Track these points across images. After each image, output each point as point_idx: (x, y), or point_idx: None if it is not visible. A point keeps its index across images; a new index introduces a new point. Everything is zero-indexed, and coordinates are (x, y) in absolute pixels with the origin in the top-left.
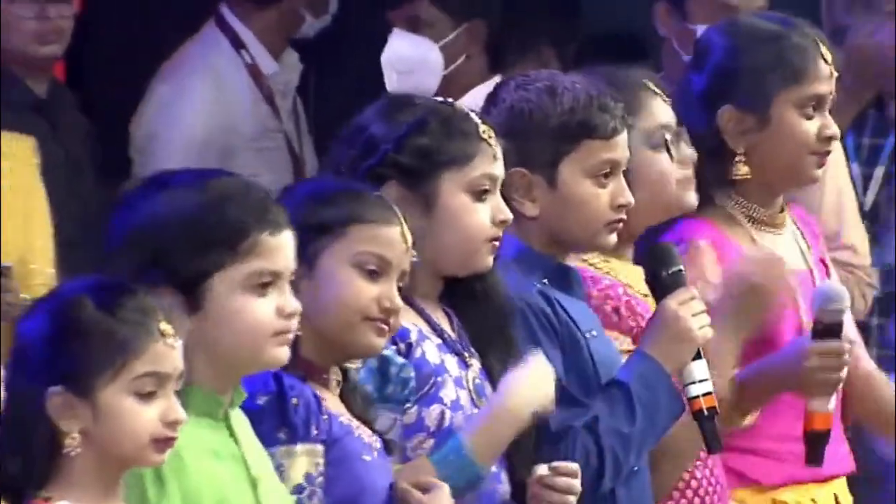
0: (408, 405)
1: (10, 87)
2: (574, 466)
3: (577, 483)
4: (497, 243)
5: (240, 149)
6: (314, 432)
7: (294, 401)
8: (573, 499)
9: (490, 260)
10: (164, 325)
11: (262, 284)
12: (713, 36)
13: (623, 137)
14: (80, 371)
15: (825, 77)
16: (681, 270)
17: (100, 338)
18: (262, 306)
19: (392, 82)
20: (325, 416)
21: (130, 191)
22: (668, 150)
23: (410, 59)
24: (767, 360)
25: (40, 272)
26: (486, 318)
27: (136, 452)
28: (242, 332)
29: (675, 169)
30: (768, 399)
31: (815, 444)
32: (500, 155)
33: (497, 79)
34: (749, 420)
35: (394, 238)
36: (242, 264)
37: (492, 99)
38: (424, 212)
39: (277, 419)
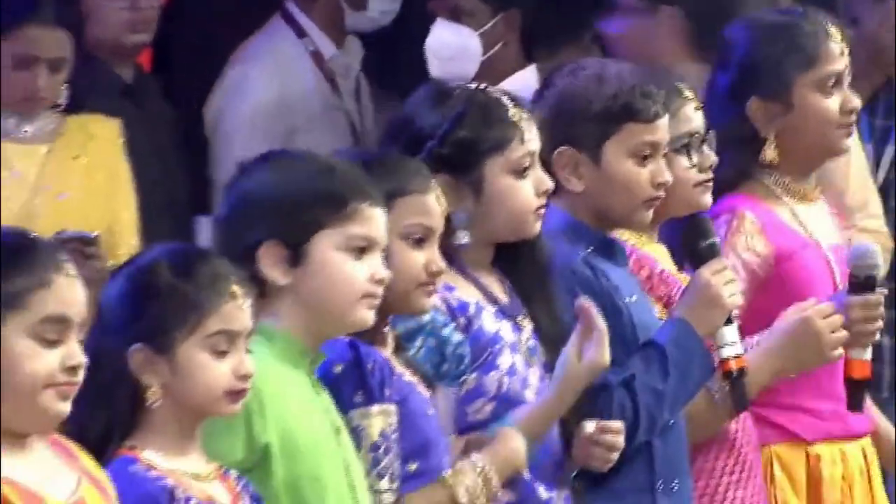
0: (464, 377)
1: (98, 73)
2: (618, 425)
3: (620, 439)
4: (542, 210)
5: (303, 127)
6: (387, 393)
7: (370, 366)
8: (616, 454)
9: (538, 226)
10: (235, 287)
11: (359, 249)
12: (734, 34)
13: (664, 121)
14: (158, 330)
15: (837, 56)
16: (715, 242)
17: (176, 299)
18: (356, 268)
19: (434, 68)
20: (396, 378)
21: (248, 162)
22: (689, 155)
23: (451, 47)
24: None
25: (125, 243)
26: (534, 278)
27: (211, 403)
28: (336, 289)
29: (695, 172)
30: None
31: (854, 391)
32: (533, 131)
33: (532, 67)
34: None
35: (433, 205)
36: (344, 227)
37: (545, 83)
38: (474, 197)
39: (355, 384)
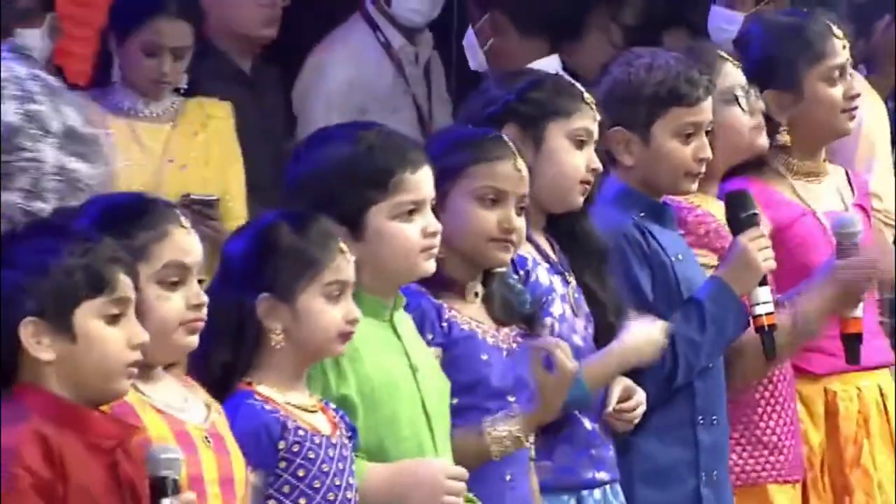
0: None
1: (218, 60)
2: (633, 404)
3: (637, 412)
4: (587, 186)
5: (372, 108)
6: (430, 337)
7: (413, 314)
8: (636, 421)
9: (581, 200)
10: (342, 245)
11: (409, 212)
12: (749, 32)
13: (706, 104)
14: (282, 281)
15: (840, 50)
16: (755, 213)
17: (296, 255)
18: (409, 230)
19: (473, 60)
20: (445, 324)
21: (299, 146)
22: (740, 104)
23: (466, 43)
24: (805, 283)
25: (235, 208)
26: (583, 249)
27: (325, 345)
28: (397, 252)
29: (748, 118)
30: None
31: (850, 345)
32: (595, 116)
33: (554, 56)
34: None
35: (507, 171)
36: (391, 199)
37: (603, 70)
38: (533, 150)
39: (432, 324)
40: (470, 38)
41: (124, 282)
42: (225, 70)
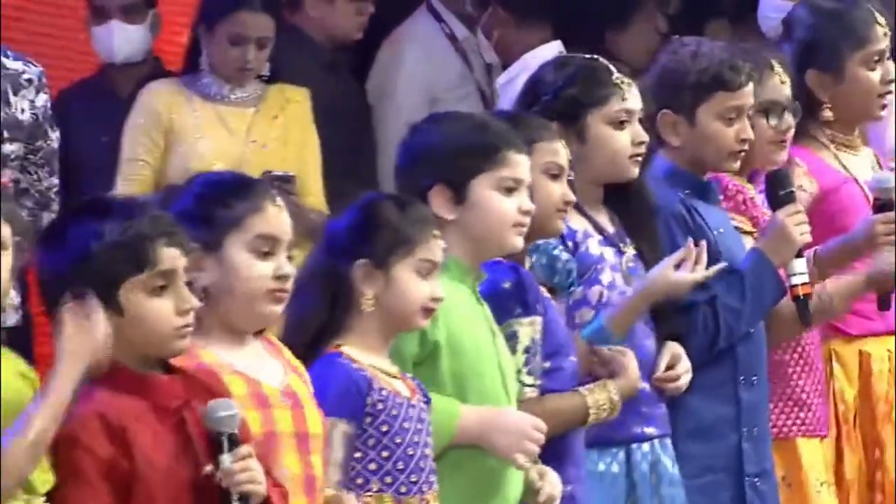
0: (572, 288)
1: (308, 48)
2: (677, 373)
3: (682, 382)
4: (640, 158)
5: (442, 96)
6: (539, 308)
7: (528, 285)
8: (683, 388)
9: (636, 171)
10: (435, 231)
11: (508, 189)
12: (797, 15)
13: (748, 89)
14: (379, 251)
15: (881, 37)
16: (792, 191)
17: (396, 229)
18: (508, 203)
19: (486, 55)
20: (540, 293)
21: (418, 122)
22: (768, 119)
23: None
24: (842, 237)
25: (311, 185)
26: (639, 215)
27: (410, 315)
28: (494, 222)
29: (771, 133)
30: (844, 265)
31: (882, 294)
32: (633, 93)
33: (556, 42)
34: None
35: (562, 148)
36: (496, 171)
37: (654, 57)
38: (578, 143)
39: (517, 298)
40: (480, 37)
41: (167, 254)
42: (312, 58)
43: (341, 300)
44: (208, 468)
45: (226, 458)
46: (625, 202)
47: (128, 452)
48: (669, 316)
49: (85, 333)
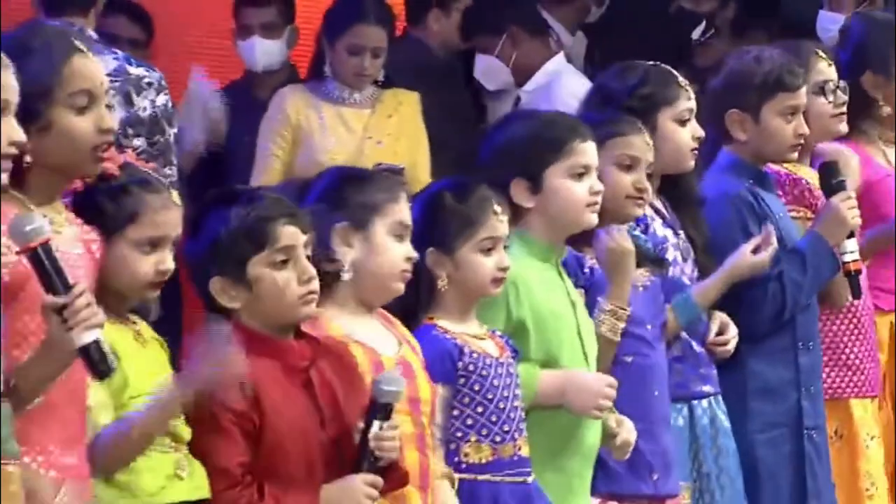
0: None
1: (425, 56)
2: (727, 338)
3: (730, 346)
4: (696, 152)
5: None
6: (579, 278)
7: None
8: (734, 343)
9: (692, 163)
10: (496, 207)
11: (579, 174)
12: (851, 25)
13: (804, 90)
14: (445, 238)
15: None
16: (843, 180)
17: (456, 215)
18: (579, 188)
19: (494, 83)
20: (587, 271)
21: (495, 122)
22: (825, 95)
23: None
24: (881, 227)
25: (420, 177)
26: (686, 203)
27: (481, 288)
28: (567, 205)
29: (831, 108)
30: (883, 250)
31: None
32: (692, 94)
33: (558, 56)
34: None
35: (638, 142)
36: (566, 161)
37: (720, 63)
38: (651, 136)
39: (575, 271)
40: (484, 65)
41: (286, 232)
42: (428, 65)
43: (422, 280)
44: (360, 425)
45: (380, 425)
46: (676, 192)
47: (258, 408)
48: (734, 292)
49: (213, 364)
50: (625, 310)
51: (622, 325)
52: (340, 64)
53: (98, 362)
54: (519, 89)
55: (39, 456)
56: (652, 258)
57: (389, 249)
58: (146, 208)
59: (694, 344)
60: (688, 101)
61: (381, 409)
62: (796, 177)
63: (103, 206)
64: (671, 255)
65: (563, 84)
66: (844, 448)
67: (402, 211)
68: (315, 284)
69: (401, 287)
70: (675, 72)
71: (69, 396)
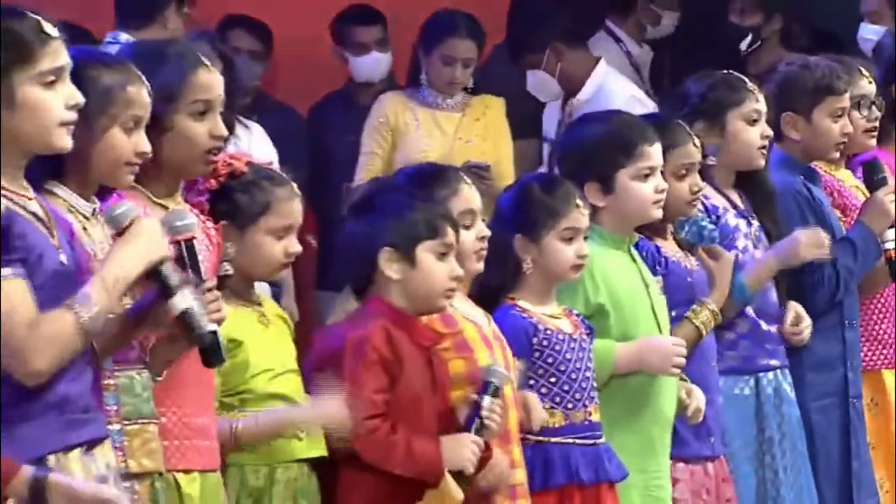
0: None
1: (510, 66)
2: (805, 325)
3: (808, 332)
4: (765, 151)
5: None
6: (657, 269)
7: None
8: (808, 332)
9: (763, 161)
10: (579, 201)
11: (645, 175)
12: (884, 41)
13: (848, 94)
14: (531, 226)
15: None
16: (885, 176)
17: (542, 206)
18: (646, 188)
19: (546, 95)
20: (663, 259)
21: (568, 127)
22: (860, 111)
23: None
24: None
25: (504, 172)
26: (760, 196)
27: (562, 274)
28: (638, 204)
29: (864, 123)
30: None
31: None
32: (761, 98)
33: (601, 63)
34: None
35: (692, 148)
36: (634, 163)
37: (771, 71)
38: (720, 135)
39: (652, 261)
40: (534, 81)
41: (450, 232)
42: (513, 73)
43: (510, 264)
44: (473, 397)
45: (489, 399)
46: (751, 186)
47: (399, 362)
48: (793, 277)
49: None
50: (720, 315)
51: (714, 324)
52: (435, 73)
53: (213, 353)
54: (573, 98)
55: (174, 416)
56: (709, 244)
57: (463, 235)
58: (276, 200)
59: (762, 323)
60: (756, 103)
61: (490, 388)
62: (830, 177)
63: (238, 200)
64: (741, 243)
65: (611, 89)
66: (880, 414)
67: (465, 201)
68: (458, 285)
69: (478, 266)
70: (744, 78)
71: (199, 372)
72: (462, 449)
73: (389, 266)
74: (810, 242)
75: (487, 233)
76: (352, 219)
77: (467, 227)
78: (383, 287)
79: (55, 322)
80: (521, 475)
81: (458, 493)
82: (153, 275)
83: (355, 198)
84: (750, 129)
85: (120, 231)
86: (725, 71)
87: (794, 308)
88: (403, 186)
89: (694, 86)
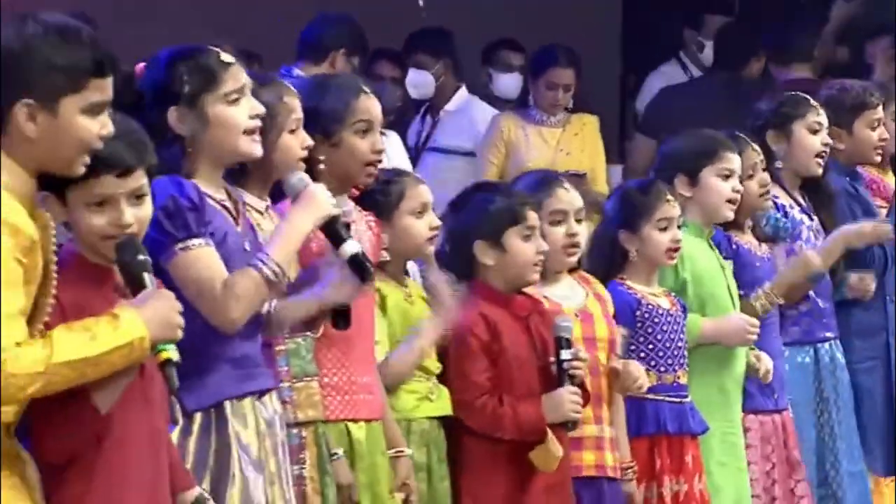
0: (789, 242)
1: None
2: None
3: (870, 288)
4: (823, 158)
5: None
6: (727, 253)
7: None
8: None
9: (819, 170)
10: (668, 195)
11: (726, 176)
12: None
13: (881, 107)
14: (632, 219)
15: None
16: None
17: (639, 204)
18: (726, 187)
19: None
20: (734, 246)
21: (665, 138)
22: (875, 130)
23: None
24: None
25: (599, 180)
26: (821, 196)
27: (660, 259)
28: (717, 199)
29: (884, 132)
30: None
31: None
32: (822, 112)
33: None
34: None
35: (735, 158)
36: (717, 164)
37: (814, 93)
38: (787, 142)
39: (725, 246)
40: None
41: (531, 215)
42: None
43: (616, 255)
44: (552, 358)
45: (567, 353)
46: (813, 187)
47: (498, 340)
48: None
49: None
50: (778, 300)
51: (771, 308)
52: (540, 96)
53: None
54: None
55: (344, 376)
56: (778, 238)
57: (552, 234)
58: (408, 186)
59: (819, 301)
60: (817, 116)
61: (561, 341)
62: (875, 177)
63: (377, 196)
64: (805, 234)
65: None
66: None
67: (560, 202)
68: (542, 257)
69: (570, 261)
70: (807, 96)
71: (361, 331)
72: (562, 404)
73: (484, 255)
74: (873, 231)
75: (577, 230)
76: (450, 217)
77: (559, 224)
78: (481, 271)
79: (244, 278)
80: (609, 431)
81: (559, 450)
82: (325, 228)
83: (453, 198)
84: (812, 137)
85: (295, 196)
86: (791, 92)
87: (856, 274)
88: (496, 185)
89: (765, 103)
